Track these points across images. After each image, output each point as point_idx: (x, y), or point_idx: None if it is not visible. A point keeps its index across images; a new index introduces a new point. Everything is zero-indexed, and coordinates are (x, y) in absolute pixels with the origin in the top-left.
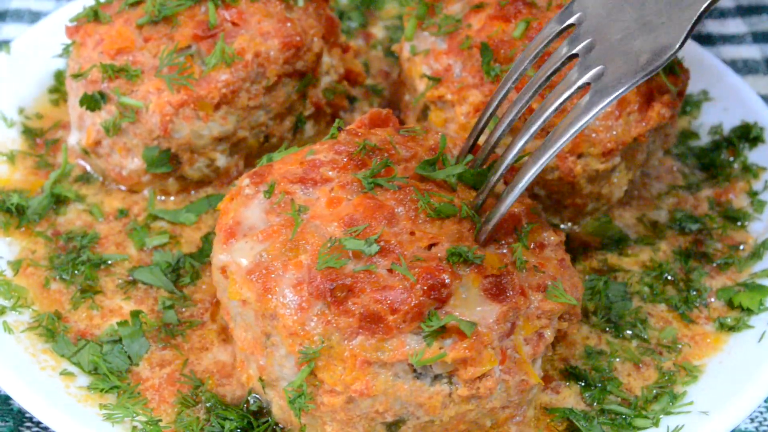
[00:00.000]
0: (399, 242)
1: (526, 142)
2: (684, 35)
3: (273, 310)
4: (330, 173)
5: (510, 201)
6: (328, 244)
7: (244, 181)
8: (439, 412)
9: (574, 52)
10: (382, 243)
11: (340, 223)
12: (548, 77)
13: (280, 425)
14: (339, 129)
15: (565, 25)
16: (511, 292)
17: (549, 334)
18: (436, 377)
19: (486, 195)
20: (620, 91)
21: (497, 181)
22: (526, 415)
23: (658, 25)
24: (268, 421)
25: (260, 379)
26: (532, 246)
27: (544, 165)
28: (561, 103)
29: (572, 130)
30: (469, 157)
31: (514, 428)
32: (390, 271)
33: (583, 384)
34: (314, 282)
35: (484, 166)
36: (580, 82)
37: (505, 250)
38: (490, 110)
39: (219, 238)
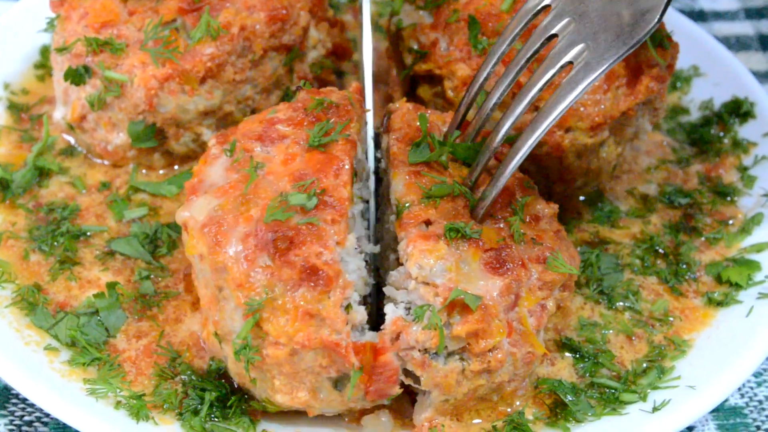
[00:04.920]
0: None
1: (516, 119)
2: (663, 6)
3: (223, 262)
4: (286, 129)
5: (505, 177)
6: (279, 198)
7: (211, 141)
8: (454, 390)
9: (553, 32)
10: (327, 197)
11: (290, 178)
12: (529, 58)
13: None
14: (299, 88)
15: (540, 6)
16: (512, 265)
17: (551, 305)
18: (450, 355)
19: (479, 172)
20: (605, 66)
21: (490, 157)
22: (527, 387)
23: None
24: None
25: (215, 334)
26: (527, 219)
27: (535, 142)
28: (546, 82)
29: (559, 109)
30: (457, 132)
31: (518, 401)
32: (334, 222)
33: (577, 356)
34: (259, 234)
35: (475, 142)
36: (562, 62)
37: (501, 224)
38: (476, 88)
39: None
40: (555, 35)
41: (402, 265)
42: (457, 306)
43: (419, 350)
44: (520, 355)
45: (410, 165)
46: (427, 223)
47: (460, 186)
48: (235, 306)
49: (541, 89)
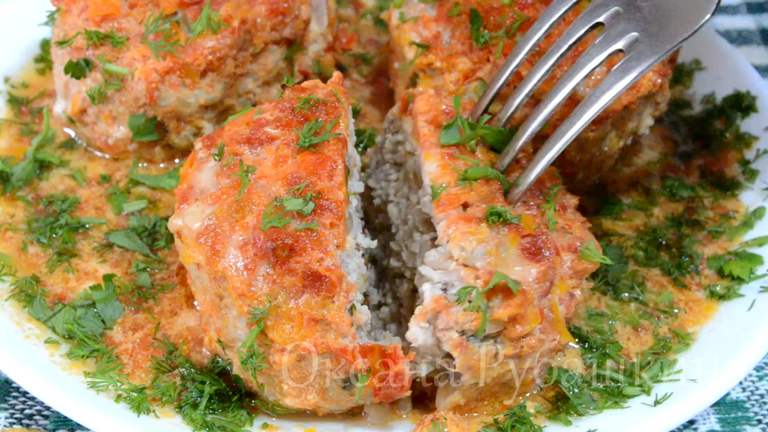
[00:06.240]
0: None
1: (554, 108)
2: None
3: (222, 272)
4: (274, 131)
5: (545, 163)
6: (274, 204)
7: (197, 145)
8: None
9: (599, 20)
10: (323, 200)
11: (283, 181)
12: (572, 44)
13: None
14: (283, 87)
15: None
16: (548, 252)
17: (579, 294)
18: (485, 338)
19: (512, 158)
20: (656, 57)
21: (525, 143)
22: (544, 376)
23: None
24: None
25: (218, 341)
26: (557, 208)
27: (580, 130)
28: (593, 68)
29: (608, 96)
30: (486, 117)
31: (536, 389)
32: (332, 225)
33: (585, 346)
34: (258, 242)
35: (506, 128)
36: (612, 48)
37: (534, 212)
38: (507, 73)
39: (176, 204)
40: (600, 23)
41: (439, 246)
42: (498, 290)
43: (457, 331)
44: (548, 342)
45: (442, 147)
46: (465, 205)
47: (493, 170)
48: (237, 314)
49: (586, 75)
